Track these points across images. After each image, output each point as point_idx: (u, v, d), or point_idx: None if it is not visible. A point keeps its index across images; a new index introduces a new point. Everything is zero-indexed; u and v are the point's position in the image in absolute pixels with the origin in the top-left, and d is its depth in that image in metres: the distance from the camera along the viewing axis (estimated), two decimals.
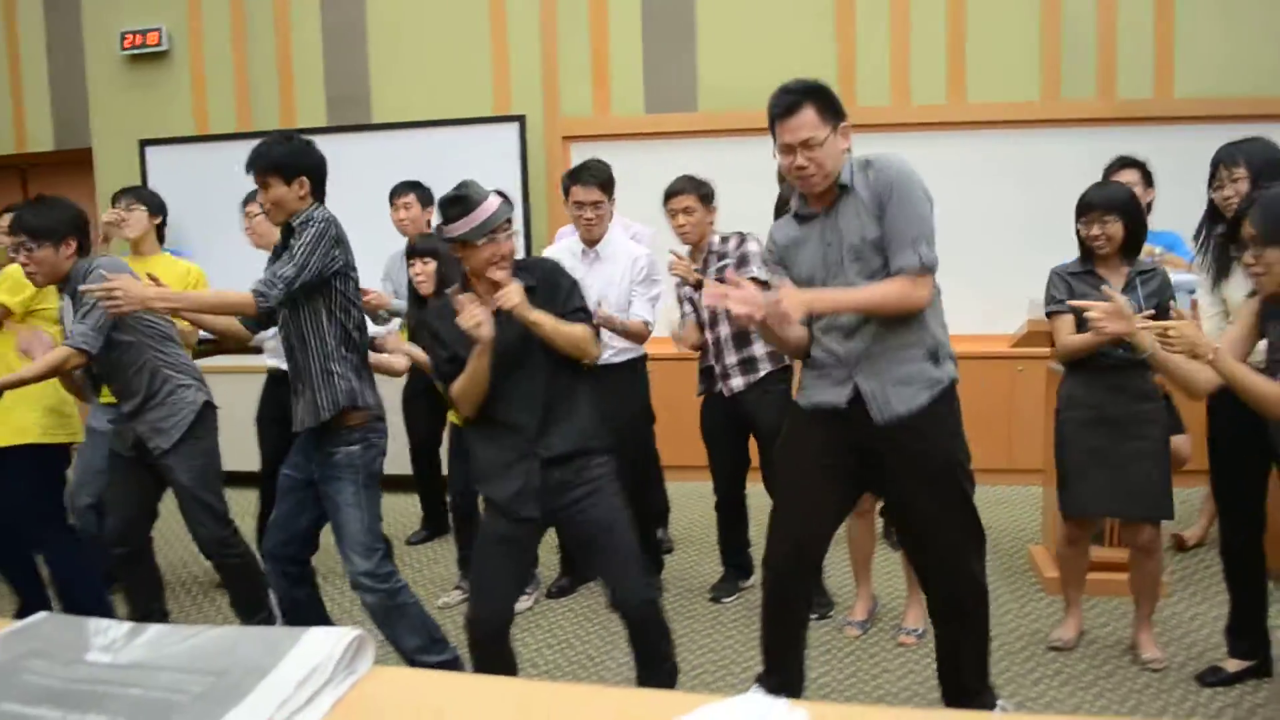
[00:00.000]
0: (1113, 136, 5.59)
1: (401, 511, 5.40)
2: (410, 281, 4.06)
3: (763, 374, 3.91)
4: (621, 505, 2.90)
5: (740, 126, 6.01)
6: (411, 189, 4.84)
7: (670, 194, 4.02)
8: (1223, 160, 3.22)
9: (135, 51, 6.93)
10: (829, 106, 2.67)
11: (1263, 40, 5.90)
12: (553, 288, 2.91)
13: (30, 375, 3.24)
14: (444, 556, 4.81)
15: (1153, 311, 3.21)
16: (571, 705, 0.96)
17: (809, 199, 2.78)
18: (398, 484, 5.03)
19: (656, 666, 2.98)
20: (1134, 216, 3.37)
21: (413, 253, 4.04)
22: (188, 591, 4.48)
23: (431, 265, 3.96)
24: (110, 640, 1.13)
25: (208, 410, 3.57)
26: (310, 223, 3.08)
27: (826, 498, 2.81)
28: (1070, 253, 3.82)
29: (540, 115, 6.48)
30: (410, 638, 3.16)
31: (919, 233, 2.62)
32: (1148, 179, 4.23)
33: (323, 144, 6.38)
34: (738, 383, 3.94)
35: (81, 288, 3.12)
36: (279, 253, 3.17)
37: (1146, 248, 3.76)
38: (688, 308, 4.13)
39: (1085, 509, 3.50)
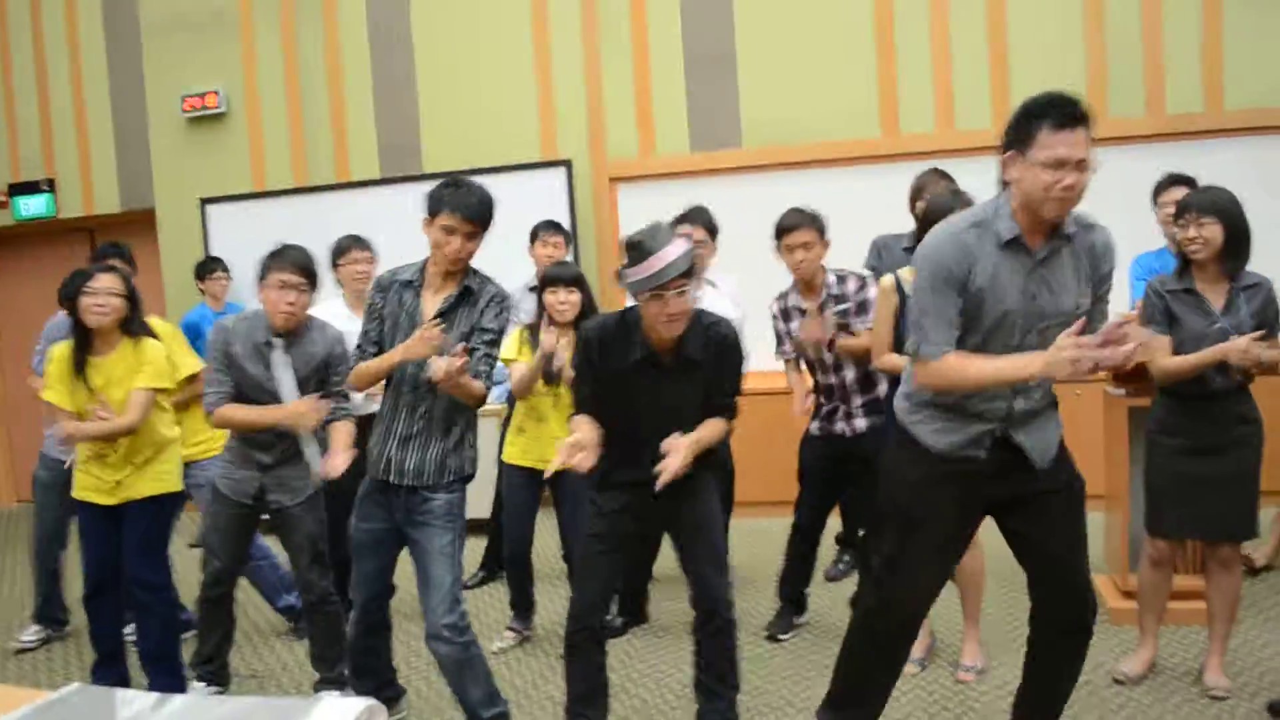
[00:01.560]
0: (1163, 153, 5.51)
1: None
2: (540, 311, 4.05)
3: (885, 414, 3.82)
4: (718, 506, 3.09)
5: (785, 160, 6.05)
6: (559, 230, 4.98)
7: (784, 229, 3.85)
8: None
9: (195, 114, 7.16)
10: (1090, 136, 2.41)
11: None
12: (721, 363, 2.98)
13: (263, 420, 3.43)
14: (499, 600, 4.83)
15: (1261, 332, 3.17)
16: None
17: (1032, 230, 2.48)
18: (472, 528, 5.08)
19: (723, 698, 3.08)
20: (1235, 221, 3.23)
21: (553, 281, 4.00)
22: (249, 641, 4.56)
23: (576, 295, 3.96)
24: (136, 712, 1.17)
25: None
26: (498, 298, 3.12)
27: (956, 544, 2.76)
28: (1123, 274, 3.77)
29: (586, 158, 6.56)
30: (475, 690, 3.14)
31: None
32: None
33: (376, 195, 6.69)
34: (862, 424, 3.87)
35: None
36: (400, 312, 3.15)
37: None
38: (792, 351, 4.06)
39: (1172, 531, 3.43)
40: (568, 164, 6.44)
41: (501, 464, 4.32)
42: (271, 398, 3.44)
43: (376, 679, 3.38)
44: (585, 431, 2.86)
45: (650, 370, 2.95)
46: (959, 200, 3.26)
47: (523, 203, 6.31)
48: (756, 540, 4.97)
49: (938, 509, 2.65)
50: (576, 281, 3.98)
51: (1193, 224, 3.25)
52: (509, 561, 4.32)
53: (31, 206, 7.64)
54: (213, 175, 7.17)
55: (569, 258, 6.15)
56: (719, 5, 6.38)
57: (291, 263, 3.38)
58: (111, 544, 3.68)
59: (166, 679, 3.60)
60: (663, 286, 2.78)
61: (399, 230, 6.40)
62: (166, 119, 7.31)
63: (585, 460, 2.77)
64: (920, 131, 6.10)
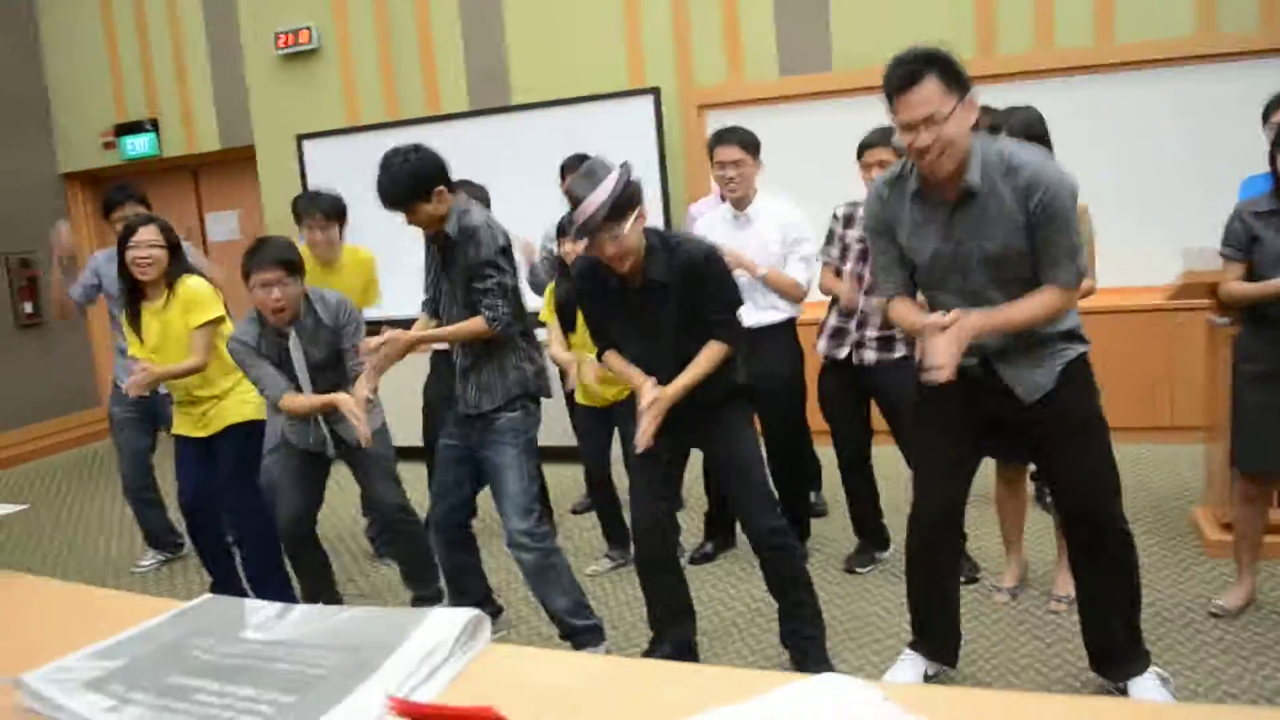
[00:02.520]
0: (1278, 69, 5.25)
1: (568, 481, 5.54)
2: (558, 257, 4.16)
3: (897, 355, 3.85)
4: (753, 442, 3.13)
5: (875, 85, 5.87)
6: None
7: (866, 145, 3.86)
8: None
9: (288, 51, 7.28)
10: (953, 76, 2.45)
11: None
12: (695, 282, 3.00)
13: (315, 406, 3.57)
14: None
15: None
16: (664, 681, 1.02)
17: (932, 184, 2.60)
18: (565, 455, 5.21)
19: (797, 616, 3.16)
20: None
21: (563, 231, 4.07)
22: (358, 566, 4.75)
23: (583, 245, 4.01)
24: (263, 620, 1.26)
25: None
26: (466, 231, 3.24)
27: (965, 454, 2.87)
28: (1233, 197, 3.65)
29: (674, 86, 6.51)
30: (560, 598, 3.34)
31: (1074, 244, 2.56)
32: None
33: (466, 127, 6.74)
34: (870, 356, 3.87)
35: (361, 357, 3.38)
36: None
37: None
38: (838, 257, 3.99)
39: (1261, 465, 3.37)
40: (656, 91, 6.40)
41: (569, 402, 4.46)
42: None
43: (471, 597, 3.53)
44: (636, 379, 3.06)
45: (625, 297, 3.04)
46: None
47: (611, 132, 6.35)
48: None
49: (940, 424, 2.82)
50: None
51: None
52: (593, 490, 4.42)
53: (137, 146, 7.90)
54: (308, 111, 7.31)
55: (654, 184, 6.17)
56: None
57: (267, 260, 3.44)
58: (205, 473, 3.92)
59: (276, 596, 3.79)
60: (592, 232, 2.86)
61: (489, 160, 6.52)
62: (261, 57, 7.45)
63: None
64: (1017, 52, 5.90)
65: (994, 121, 3.42)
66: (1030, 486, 4.26)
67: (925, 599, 2.99)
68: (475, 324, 3.22)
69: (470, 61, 6.96)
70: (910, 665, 3.05)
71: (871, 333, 3.87)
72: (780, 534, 3.11)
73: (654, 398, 2.95)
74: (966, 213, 2.57)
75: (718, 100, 6.40)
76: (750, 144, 4.08)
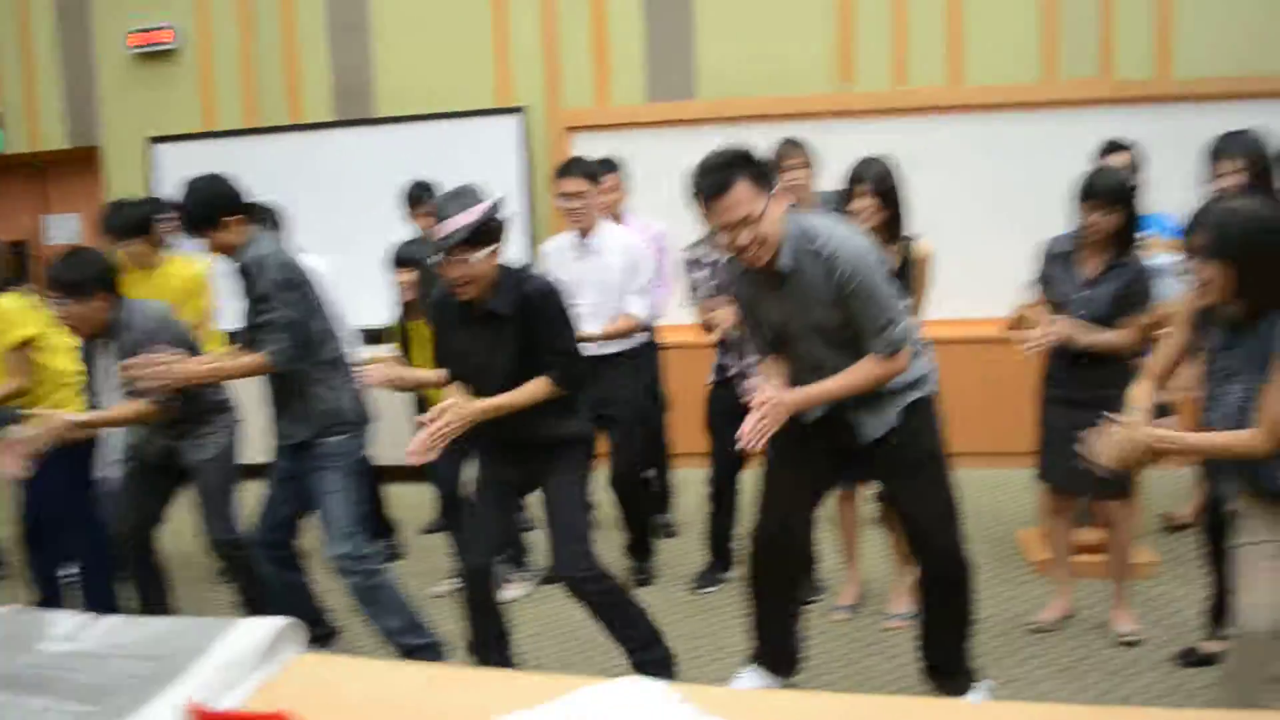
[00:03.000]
0: (1112, 117, 5.59)
1: (418, 501, 5.45)
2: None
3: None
4: (581, 491, 3.14)
5: (740, 113, 6.05)
6: (427, 193, 4.79)
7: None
8: (1220, 153, 3.20)
9: (144, 50, 7.02)
10: (760, 175, 2.60)
11: (1261, 19, 5.87)
12: (533, 320, 3.01)
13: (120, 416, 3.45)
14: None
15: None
16: (472, 686, 1.03)
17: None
18: (417, 474, 5.12)
19: (634, 649, 3.14)
20: (1126, 209, 3.34)
21: (395, 261, 4.06)
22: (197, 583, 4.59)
23: (412, 274, 3.99)
24: (68, 630, 1.22)
25: (238, 426, 3.74)
26: (245, 267, 3.25)
27: (807, 483, 2.99)
28: None
29: (542, 106, 6.53)
30: (390, 619, 3.33)
31: (887, 317, 2.68)
32: (1136, 163, 4.24)
33: (328, 138, 6.60)
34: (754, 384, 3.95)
35: (134, 372, 3.24)
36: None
37: (1145, 238, 3.77)
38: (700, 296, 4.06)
39: (1050, 480, 3.61)
40: (522, 110, 6.41)
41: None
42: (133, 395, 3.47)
43: (299, 617, 3.43)
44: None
45: (470, 329, 3.06)
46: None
47: (476, 150, 6.34)
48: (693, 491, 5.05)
49: (790, 454, 2.92)
50: (412, 262, 4.01)
51: (1095, 210, 3.32)
52: (445, 511, 4.37)
53: None
54: (161, 113, 7.05)
55: (519, 203, 6.18)
56: None
57: (50, 280, 3.38)
58: (40, 488, 3.74)
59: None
60: (445, 253, 2.89)
61: (350, 173, 6.43)
62: (114, 54, 7.16)
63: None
64: (874, 89, 6.13)
65: (853, 174, 3.54)
66: (872, 507, 4.41)
67: (763, 617, 3.06)
68: (255, 360, 3.24)
69: (335, 70, 6.84)
70: (748, 681, 3.11)
71: (752, 359, 3.93)
72: (595, 580, 3.09)
73: (451, 404, 2.92)
74: (788, 289, 2.72)
75: (585, 123, 6.44)
76: (592, 174, 4.14)
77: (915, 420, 2.87)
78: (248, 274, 3.23)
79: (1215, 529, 3.33)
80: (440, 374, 3.20)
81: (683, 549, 4.63)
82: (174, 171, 6.70)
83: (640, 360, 4.29)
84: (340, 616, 3.73)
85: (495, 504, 3.18)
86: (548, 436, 3.08)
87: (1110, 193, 3.30)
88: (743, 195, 2.55)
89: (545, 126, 6.53)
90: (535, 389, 3.00)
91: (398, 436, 4.62)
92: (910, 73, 6.18)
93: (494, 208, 2.94)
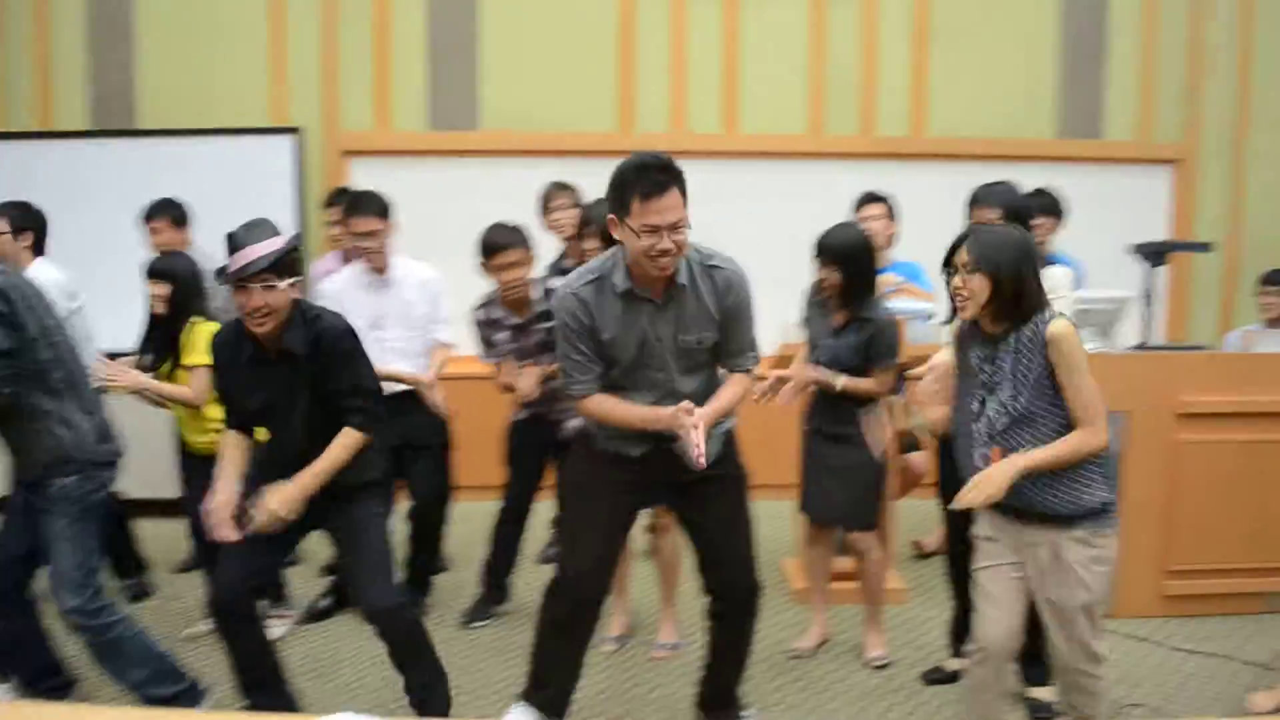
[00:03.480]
0: (873, 170, 5.97)
1: (172, 537, 5.14)
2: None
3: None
4: (383, 530, 3.05)
5: (521, 148, 6.10)
6: (165, 211, 4.60)
7: (493, 248, 3.83)
8: (978, 201, 3.41)
9: None
10: (685, 191, 2.62)
11: (1005, 88, 6.45)
12: (330, 359, 2.92)
13: None
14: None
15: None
16: None
17: (644, 282, 2.72)
18: (171, 508, 4.83)
19: (421, 687, 3.07)
20: (852, 267, 3.52)
21: (149, 273, 3.83)
22: None
23: (165, 288, 3.79)
24: None
25: None
26: None
27: (620, 518, 2.97)
28: None
29: (319, 128, 6.36)
30: (133, 671, 3.08)
31: (753, 337, 2.87)
32: (891, 212, 4.53)
33: (85, 149, 6.19)
34: (574, 424, 3.84)
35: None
36: None
37: (888, 277, 4.05)
38: (508, 353, 4.00)
39: (806, 510, 3.80)
40: (298, 132, 6.22)
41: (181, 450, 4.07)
42: None
43: (24, 671, 3.19)
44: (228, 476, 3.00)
45: (260, 369, 2.94)
46: None
47: (248, 170, 6.09)
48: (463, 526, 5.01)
49: (601, 491, 2.89)
50: (167, 275, 3.76)
51: (823, 267, 3.56)
52: (200, 546, 4.13)
53: None
54: None
55: (292, 226, 5.99)
56: None
57: None
58: None
59: None
60: (245, 280, 2.79)
61: (110, 187, 6.04)
62: None
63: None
64: (655, 131, 6.31)
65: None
66: (642, 539, 4.49)
67: (553, 657, 2.98)
68: None
69: (93, 77, 6.42)
70: (519, 717, 3.08)
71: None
72: (402, 610, 3.03)
73: (276, 507, 2.84)
74: (669, 309, 2.75)
75: (364, 148, 6.32)
76: (385, 210, 4.07)
77: (731, 449, 2.97)
78: None
79: (958, 555, 3.58)
80: (187, 392, 3.05)
81: (453, 583, 4.56)
82: None
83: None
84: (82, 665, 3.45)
85: (264, 538, 2.98)
86: (348, 483, 2.98)
87: (834, 251, 3.52)
88: (678, 200, 2.57)
89: (322, 150, 6.36)
90: (346, 443, 2.92)
91: (150, 469, 4.39)
92: (689, 118, 6.40)
93: (295, 240, 2.88)
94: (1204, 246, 5.02)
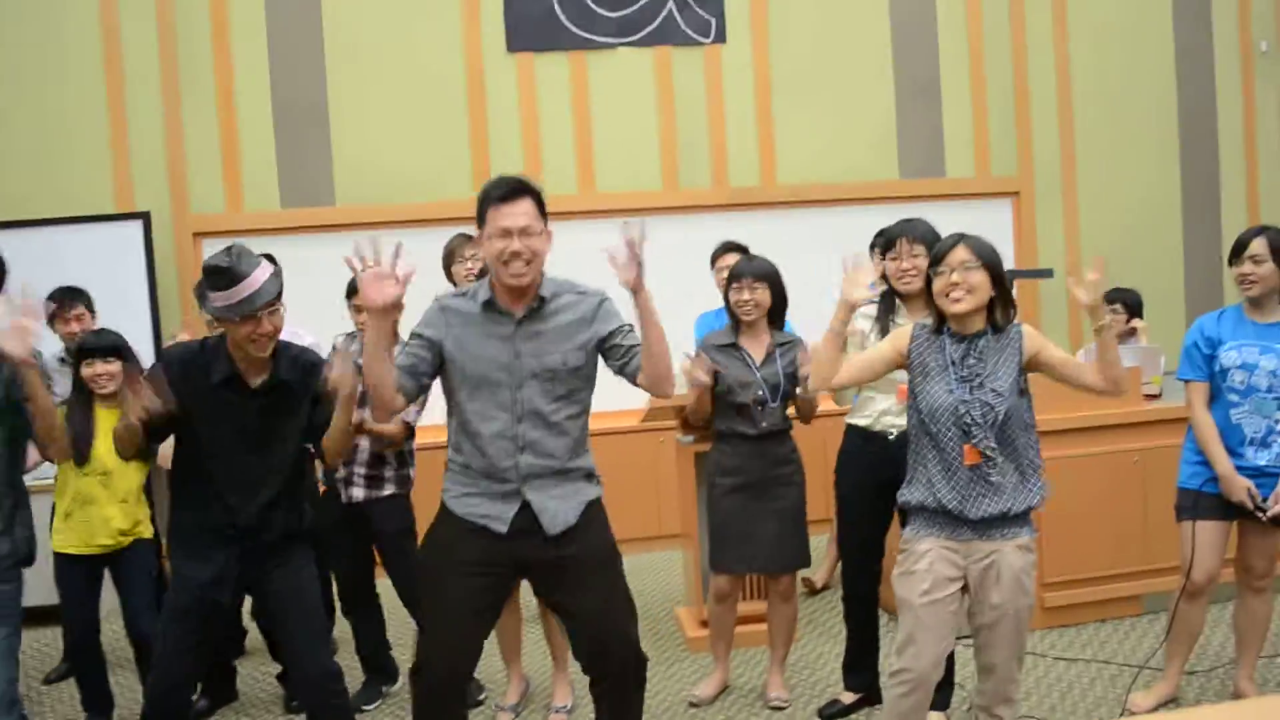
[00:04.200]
0: (728, 221, 6.13)
1: (42, 645, 4.85)
2: (79, 384, 3.68)
3: (386, 494, 3.85)
4: (313, 578, 3.00)
5: (378, 219, 6.04)
6: (80, 297, 4.51)
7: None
8: (904, 235, 3.42)
9: None
10: (542, 208, 2.72)
11: (848, 133, 6.71)
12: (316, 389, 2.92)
13: None
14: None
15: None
16: None
17: (504, 295, 2.73)
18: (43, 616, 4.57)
19: None
20: (779, 288, 3.71)
21: (89, 352, 3.62)
22: None
23: (116, 365, 3.57)
24: None
25: None
26: None
27: (483, 604, 2.79)
28: (687, 330, 4.13)
29: (167, 211, 6.18)
30: None
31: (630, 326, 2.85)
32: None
33: None
34: (359, 493, 3.83)
35: None
36: None
37: None
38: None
39: (732, 567, 3.74)
40: (146, 216, 6.03)
41: (54, 553, 3.84)
42: None
43: None
44: None
45: (235, 396, 2.86)
46: None
47: (97, 256, 5.87)
48: None
49: (459, 569, 2.74)
50: (116, 350, 3.63)
51: (746, 288, 3.65)
52: (76, 655, 3.91)
53: None
54: None
55: (144, 312, 5.80)
56: (310, 55, 6.31)
57: None
58: None
59: None
60: (258, 307, 2.77)
61: None
62: None
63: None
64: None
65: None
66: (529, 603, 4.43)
67: None
68: None
69: None
70: None
71: (360, 470, 3.83)
72: (338, 679, 2.96)
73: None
74: (530, 326, 2.73)
75: (215, 228, 6.17)
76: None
77: (595, 516, 2.84)
78: None
79: (856, 598, 3.64)
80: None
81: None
82: None
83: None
84: None
85: (197, 624, 2.87)
86: (289, 531, 2.93)
87: (760, 272, 3.67)
88: (529, 208, 2.66)
89: (172, 232, 6.18)
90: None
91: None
92: (546, 180, 6.42)
93: (276, 266, 2.88)
94: (1046, 273, 5.30)
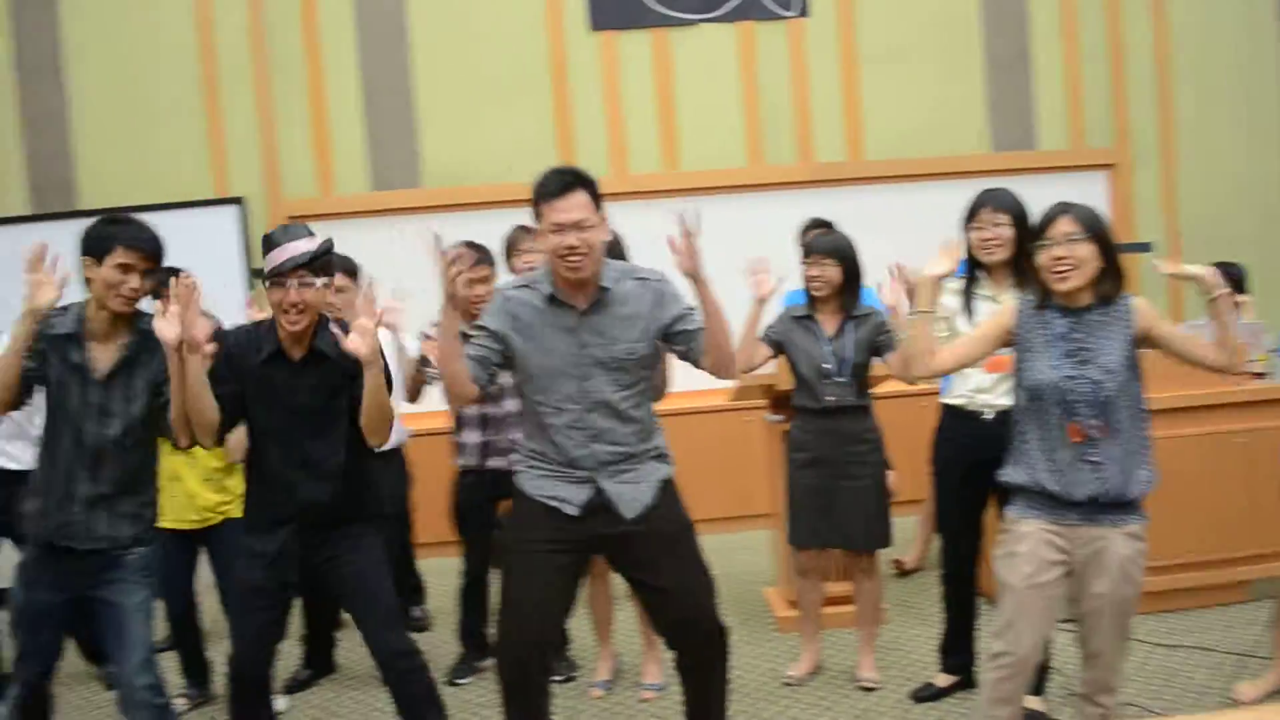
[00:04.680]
0: (812, 198, 6.06)
1: None
2: None
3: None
4: (380, 561, 3.01)
5: (463, 201, 6.11)
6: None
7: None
8: (986, 204, 3.37)
9: None
10: (597, 198, 2.71)
11: (936, 106, 6.57)
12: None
13: None
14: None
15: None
16: None
17: (567, 288, 2.74)
18: None
19: None
20: (851, 264, 3.64)
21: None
22: None
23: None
24: None
25: None
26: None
27: (558, 580, 2.82)
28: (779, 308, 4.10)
29: (262, 196, 6.34)
30: None
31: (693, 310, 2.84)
32: None
33: (27, 233, 6.08)
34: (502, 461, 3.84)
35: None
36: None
37: None
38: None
39: (806, 541, 3.75)
40: (241, 201, 6.20)
41: None
42: None
43: None
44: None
45: (281, 370, 2.89)
46: None
47: (194, 242, 6.02)
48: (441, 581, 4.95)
49: (534, 546, 2.79)
50: None
51: (815, 264, 3.64)
52: (175, 627, 4.06)
53: None
54: None
55: (239, 294, 5.94)
56: (396, 41, 6.39)
57: None
58: None
59: None
60: (283, 274, 2.79)
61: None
62: None
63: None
64: (596, 176, 6.32)
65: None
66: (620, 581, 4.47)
67: (519, 714, 2.88)
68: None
69: (32, 161, 6.35)
70: None
71: (515, 434, 3.76)
72: (410, 655, 2.99)
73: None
74: (595, 317, 2.73)
75: (307, 212, 6.26)
76: (353, 270, 4.13)
77: (668, 493, 2.86)
78: (154, 345, 2.81)
79: (955, 578, 3.59)
80: None
81: (435, 640, 4.50)
82: None
83: (400, 460, 4.33)
84: None
85: (274, 601, 2.95)
86: (347, 509, 2.95)
87: (832, 249, 3.63)
88: (584, 201, 2.65)
89: (266, 216, 6.33)
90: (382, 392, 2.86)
91: None
92: (630, 160, 6.45)
93: (329, 243, 2.88)
94: (1144, 246, 5.15)
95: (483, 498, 3.94)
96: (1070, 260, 2.59)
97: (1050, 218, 2.65)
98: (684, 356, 2.83)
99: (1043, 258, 2.64)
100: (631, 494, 2.78)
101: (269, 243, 2.85)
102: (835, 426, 3.65)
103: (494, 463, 3.88)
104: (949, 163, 6.44)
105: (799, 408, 3.74)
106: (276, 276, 2.80)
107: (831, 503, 3.66)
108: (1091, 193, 6.60)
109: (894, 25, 6.58)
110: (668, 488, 2.87)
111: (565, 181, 2.67)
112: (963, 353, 2.82)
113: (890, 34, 6.58)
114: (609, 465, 2.77)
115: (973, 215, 3.39)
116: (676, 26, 6.48)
